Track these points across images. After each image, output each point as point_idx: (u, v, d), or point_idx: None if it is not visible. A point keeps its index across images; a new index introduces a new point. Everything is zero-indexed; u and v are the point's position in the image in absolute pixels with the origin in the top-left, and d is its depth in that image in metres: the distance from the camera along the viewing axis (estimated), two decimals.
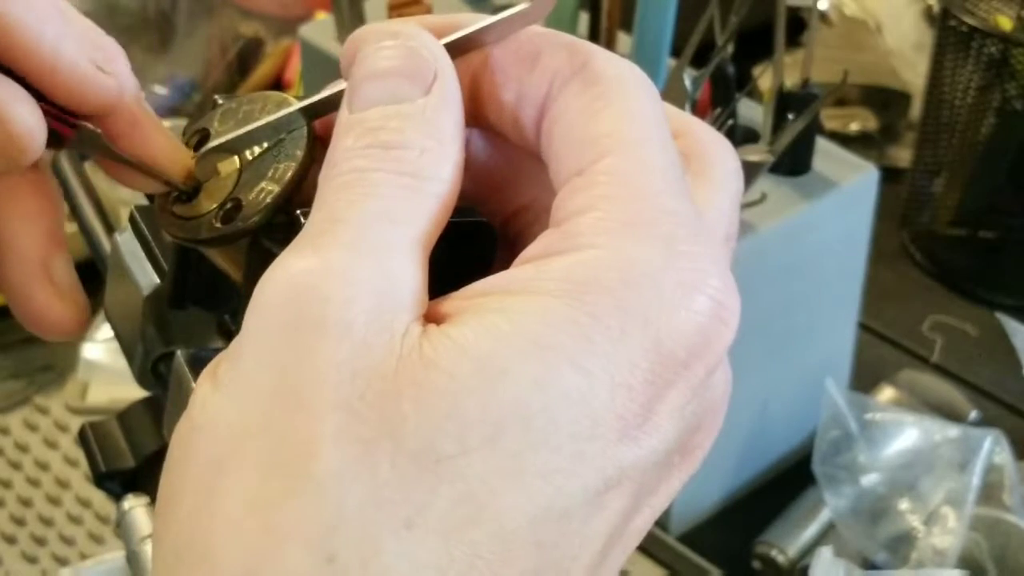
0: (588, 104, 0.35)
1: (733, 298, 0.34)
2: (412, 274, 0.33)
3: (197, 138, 0.40)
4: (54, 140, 0.39)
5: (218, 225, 0.38)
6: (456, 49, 0.36)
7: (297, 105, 0.38)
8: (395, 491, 0.30)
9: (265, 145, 0.38)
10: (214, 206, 0.38)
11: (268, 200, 0.37)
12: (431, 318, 0.33)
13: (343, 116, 0.35)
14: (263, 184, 0.37)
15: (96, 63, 0.39)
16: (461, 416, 0.31)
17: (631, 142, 0.34)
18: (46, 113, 0.38)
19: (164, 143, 0.40)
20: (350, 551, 0.30)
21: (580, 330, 0.32)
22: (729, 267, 0.36)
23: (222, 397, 0.32)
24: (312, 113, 0.38)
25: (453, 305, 0.33)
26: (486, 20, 0.37)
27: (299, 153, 0.37)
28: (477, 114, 0.38)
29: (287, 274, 0.32)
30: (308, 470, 0.30)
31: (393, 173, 0.34)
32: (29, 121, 0.37)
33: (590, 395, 0.31)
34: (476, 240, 0.38)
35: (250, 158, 0.38)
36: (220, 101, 0.41)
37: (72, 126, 0.39)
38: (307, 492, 0.30)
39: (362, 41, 0.36)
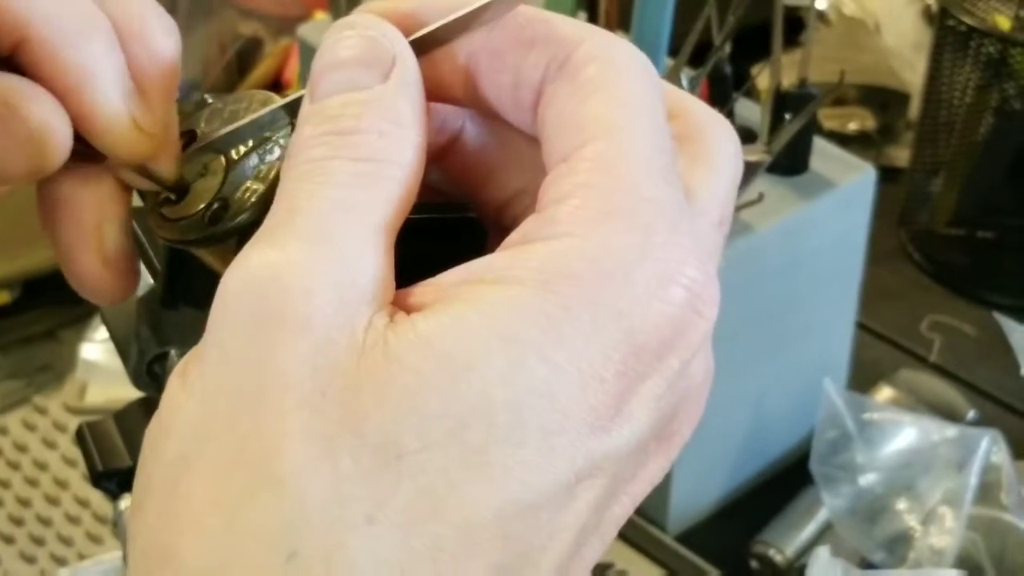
0: (578, 88, 0.35)
1: (710, 289, 0.33)
2: (374, 263, 0.33)
3: (185, 139, 0.40)
4: None
5: (206, 225, 0.38)
6: (428, 43, 0.36)
7: (280, 102, 0.38)
8: (356, 486, 0.30)
9: (251, 144, 0.38)
10: (202, 206, 0.38)
11: (254, 199, 0.37)
12: (403, 306, 0.33)
13: (304, 107, 0.35)
14: (248, 183, 0.38)
15: (136, 120, 0.37)
16: (422, 411, 0.31)
17: (616, 128, 0.34)
18: None
19: (163, 157, 0.39)
20: (312, 547, 0.30)
21: (550, 322, 0.31)
22: (718, 253, 0.36)
23: (188, 396, 0.32)
24: (296, 110, 0.38)
25: (426, 293, 0.33)
26: (459, 12, 0.36)
27: (283, 151, 0.37)
28: (475, 96, 0.37)
29: (247, 268, 0.32)
30: (270, 468, 0.31)
31: (350, 160, 0.34)
32: (52, 121, 0.36)
33: (559, 388, 0.31)
34: (464, 236, 0.38)
35: (236, 157, 0.38)
36: (209, 100, 0.41)
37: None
38: (269, 490, 0.30)
39: (325, 36, 0.36)
